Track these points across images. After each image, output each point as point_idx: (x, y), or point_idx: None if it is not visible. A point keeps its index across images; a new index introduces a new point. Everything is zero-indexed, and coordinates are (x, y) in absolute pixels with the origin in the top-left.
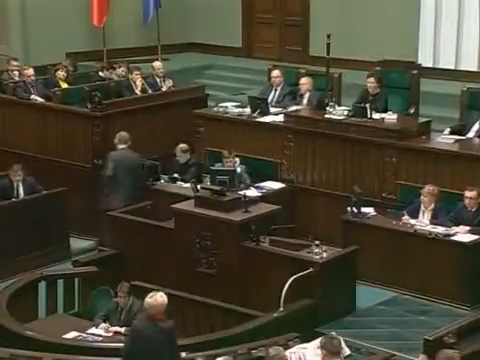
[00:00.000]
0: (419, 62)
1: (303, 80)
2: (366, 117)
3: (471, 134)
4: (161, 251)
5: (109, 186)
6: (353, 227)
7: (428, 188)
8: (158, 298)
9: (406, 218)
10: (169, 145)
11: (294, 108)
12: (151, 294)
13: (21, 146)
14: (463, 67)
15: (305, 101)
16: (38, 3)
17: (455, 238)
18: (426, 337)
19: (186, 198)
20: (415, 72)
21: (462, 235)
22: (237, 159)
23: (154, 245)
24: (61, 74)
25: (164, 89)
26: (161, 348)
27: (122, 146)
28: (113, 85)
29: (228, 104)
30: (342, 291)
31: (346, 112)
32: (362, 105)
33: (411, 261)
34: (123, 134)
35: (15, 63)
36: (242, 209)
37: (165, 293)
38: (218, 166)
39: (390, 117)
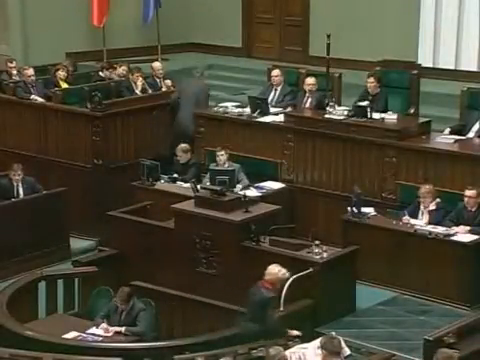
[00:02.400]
0: (419, 62)
1: (310, 80)
2: (366, 117)
3: (471, 134)
4: (161, 251)
5: (174, 109)
6: (353, 227)
7: (424, 188)
8: (276, 270)
9: (406, 218)
10: (169, 145)
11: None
12: (277, 265)
13: (21, 146)
14: (463, 67)
15: (310, 100)
16: (38, 3)
17: (455, 238)
18: (426, 337)
19: (186, 198)
20: (415, 72)
21: (462, 235)
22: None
23: (154, 245)
24: (61, 74)
25: (164, 89)
26: (254, 310)
27: (197, 75)
28: (113, 85)
29: (228, 104)
30: (342, 291)
31: (346, 112)
32: (362, 105)
33: (411, 261)
34: (199, 69)
35: (11, 64)
36: (242, 209)
37: (164, 293)
38: (213, 166)
39: (390, 117)
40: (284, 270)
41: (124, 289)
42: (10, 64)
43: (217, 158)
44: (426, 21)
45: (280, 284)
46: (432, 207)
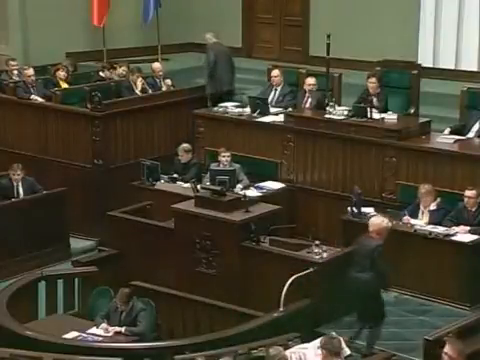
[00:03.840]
0: (419, 62)
1: (310, 80)
2: (366, 117)
3: (471, 134)
4: (161, 251)
5: (211, 72)
6: (353, 227)
7: (424, 187)
8: (379, 220)
9: (407, 218)
10: (169, 145)
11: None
12: (378, 216)
13: (21, 146)
14: (463, 67)
15: (310, 100)
16: (38, 3)
17: (455, 238)
18: (426, 337)
19: (186, 198)
20: (415, 72)
21: (462, 235)
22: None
23: (154, 245)
24: (61, 74)
25: (164, 89)
26: (363, 259)
27: (214, 40)
28: (113, 85)
29: (228, 104)
30: (342, 291)
31: (346, 112)
32: (362, 105)
33: (411, 261)
34: (215, 33)
35: (13, 63)
36: (242, 209)
37: (164, 293)
38: (214, 166)
39: (390, 117)
40: (386, 219)
41: (124, 290)
42: (12, 63)
43: (222, 158)
44: (426, 21)
45: (386, 232)
46: (432, 207)
